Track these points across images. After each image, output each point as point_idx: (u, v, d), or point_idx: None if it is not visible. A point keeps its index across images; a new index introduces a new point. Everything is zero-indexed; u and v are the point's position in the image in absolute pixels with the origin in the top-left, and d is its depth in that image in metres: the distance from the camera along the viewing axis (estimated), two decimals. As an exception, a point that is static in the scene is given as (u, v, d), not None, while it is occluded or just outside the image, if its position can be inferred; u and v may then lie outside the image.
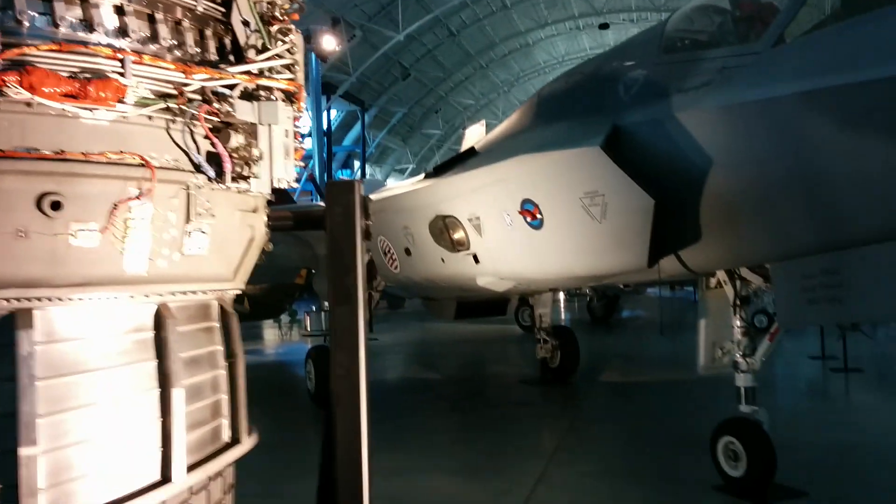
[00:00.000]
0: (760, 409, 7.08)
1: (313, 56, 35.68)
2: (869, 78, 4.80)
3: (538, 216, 7.12)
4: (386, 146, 60.01)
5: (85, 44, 2.23)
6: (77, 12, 2.24)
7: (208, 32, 2.59)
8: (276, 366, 19.85)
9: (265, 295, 21.37)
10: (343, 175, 54.20)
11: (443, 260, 9.02)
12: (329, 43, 34.90)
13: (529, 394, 12.93)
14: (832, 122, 5.09)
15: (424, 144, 62.52)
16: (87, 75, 2.19)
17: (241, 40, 2.64)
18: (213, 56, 2.59)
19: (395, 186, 10.92)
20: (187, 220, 2.46)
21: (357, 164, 55.85)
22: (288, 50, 2.72)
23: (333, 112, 51.63)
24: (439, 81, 56.44)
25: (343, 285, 2.85)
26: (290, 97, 2.71)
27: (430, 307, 13.45)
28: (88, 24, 2.25)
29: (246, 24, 2.67)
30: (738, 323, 7.15)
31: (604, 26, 47.78)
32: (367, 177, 51.23)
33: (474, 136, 11.50)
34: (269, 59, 2.62)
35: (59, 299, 2.20)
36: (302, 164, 2.80)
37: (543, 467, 8.19)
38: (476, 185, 7.98)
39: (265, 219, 2.92)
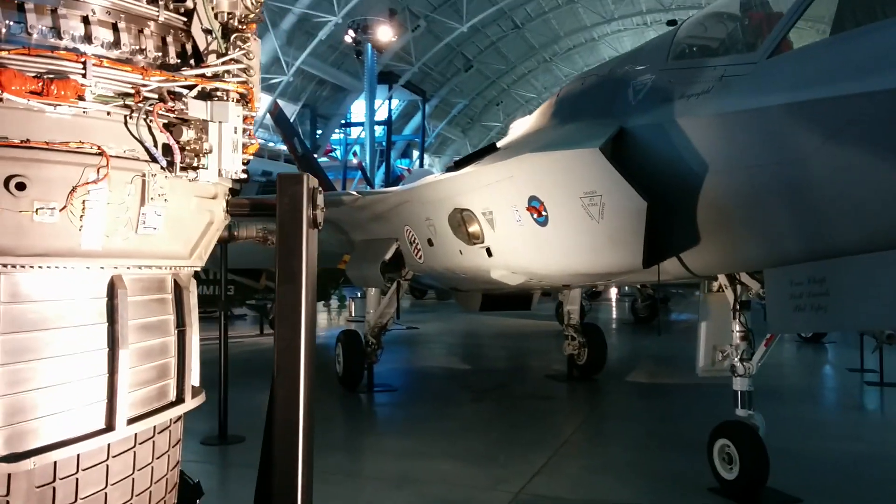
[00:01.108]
0: (756, 414, 7.14)
1: (369, 47, 36.35)
2: (853, 91, 4.88)
3: (543, 213, 7.34)
4: (446, 137, 60.52)
5: (53, 48, 2.59)
6: (47, 21, 2.61)
7: (169, 39, 2.94)
8: (319, 348, 20.41)
9: (311, 278, 22.07)
10: (402, 164, 54.84)
11: (461, 252, 9.31)
12: (385, 34, 35.42)
13: (552, 388, 13.12)
14: (818, 134, 5.17)
15: (484, 136, 62.73)
16: (52, 76, 2.56)
17: (201, 46, 2.99)
18: (173, 59, 2.94)
19: (425, 178, 11.24)
20: (142, 203, 2.81)
21: (416, 153, 56.47)
22: (245, 55, 3.05)
23: (395, 102, 52.29)
24: (502, 74, 56.60)
25: (289, 266, 3.18)
26: (243, 98, 3.05)
27: (457, 297, 13.76)
28: (57, 32, 2.62)
29: (208, 31, 3.01)
30: (737, 327, 7.23)
31: (672, 23, 46.60)
32: (426, 167, 51.63)
33: (518, 129, 11.69)
34: (222, 64, 2.96)
35: (23, 266, 2.58)
36: (249, 157, 3.13)
37: (547, 459, 8.41)
38: (490, 180, 8.24)
39: (224, 205, 3.27)
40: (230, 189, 3.34)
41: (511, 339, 21.98)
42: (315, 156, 45.07)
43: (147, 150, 2.81)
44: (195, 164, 2.88)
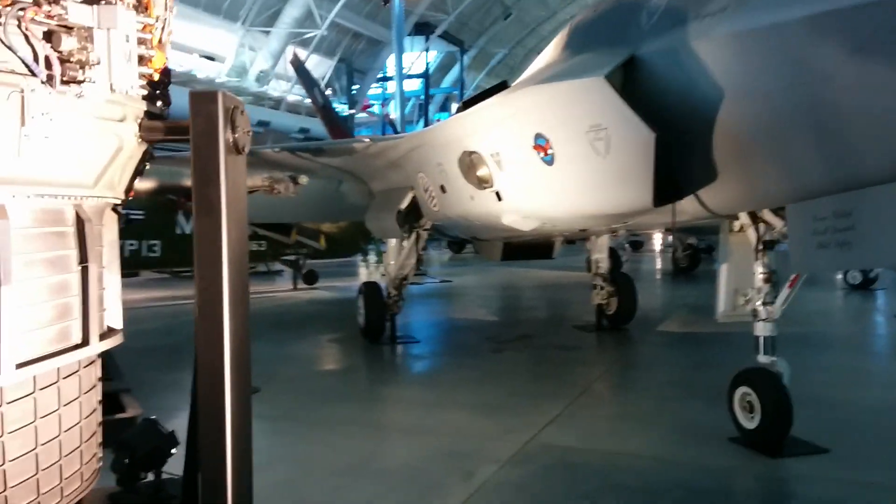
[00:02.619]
0: (780, 360, 6.69)
1: (397, -6, 35.61)
2: None
3: (549, 151, 6.88)
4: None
5: None
6: None
7: (49, -63, 2.58)
8: (345, 300, 20.26)
9: (342, 233, 21.89)
10: (441, 118, 54.11)
11: (472, 197, 8.89)
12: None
13: (578, 339, 12.73)
14: (843, 49, 4.61)
15: (525, 88, 61.42)
16: None
17: (90, -56, 2.62)
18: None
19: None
20: (22, 123, 2.49)
21: (455, 107, 55.59)
22: (140, -44, 2.69)
23: (432, 53, 51.36)
24: (542, 21, 55.02)
25: (205, 197, 2.83)
26: (139, 2, 2.69)
27: (478, 247, 13.38)
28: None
29: (99, -71, 2.65)
30: (759, 269, 6.73)
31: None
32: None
33: (533, 66, 11.13)
34: (109, -38, 2.59)
35: None
36: (152, 71, 2.78)
37: (562, 409, 8.09)
38: (496, 119, 7.78)
39: (136, 129, 2.93)
40: (147, 112, 2.99)
41: (546, 290, 21.57)
42: (353, 111, 44.67)
43: (22, 60, 2.47)
44: (80, 78, 2.54)
